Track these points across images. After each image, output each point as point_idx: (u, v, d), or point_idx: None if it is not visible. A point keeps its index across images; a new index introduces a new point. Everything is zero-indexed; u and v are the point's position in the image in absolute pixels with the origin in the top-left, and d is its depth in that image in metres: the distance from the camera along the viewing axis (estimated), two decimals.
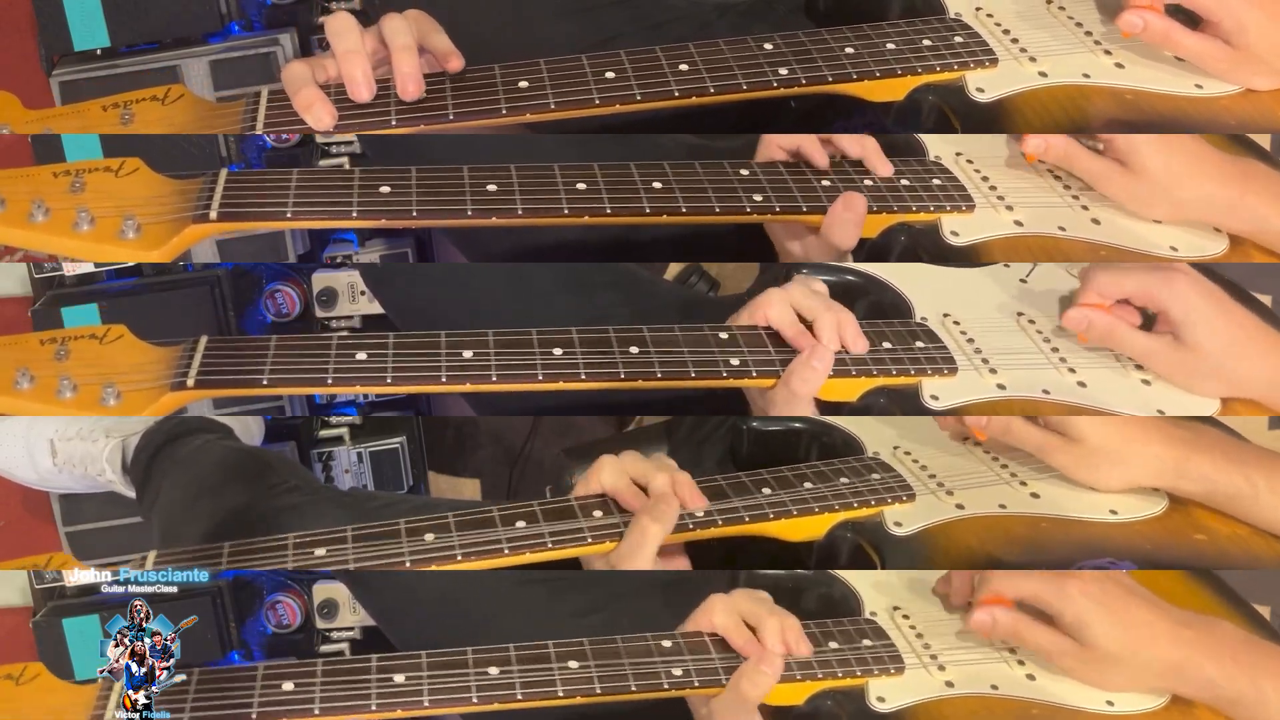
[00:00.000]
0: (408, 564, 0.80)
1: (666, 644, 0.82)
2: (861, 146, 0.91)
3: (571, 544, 0.82)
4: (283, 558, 0.80)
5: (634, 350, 0.85)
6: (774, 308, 0.87)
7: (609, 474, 0.85)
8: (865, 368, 0.86)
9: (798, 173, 0.90)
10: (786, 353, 0.86)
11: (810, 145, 0.90)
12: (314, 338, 0.83)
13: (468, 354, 0.82)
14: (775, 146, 0.91)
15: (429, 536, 0.81)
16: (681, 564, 0.88)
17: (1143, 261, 0.89)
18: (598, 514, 0.84)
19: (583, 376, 0.83)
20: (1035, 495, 0.90)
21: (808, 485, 0.89)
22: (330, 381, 0.80)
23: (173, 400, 0.78)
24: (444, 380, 0.81)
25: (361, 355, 0.81)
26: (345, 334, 0.84)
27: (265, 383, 0.79)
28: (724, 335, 0.87)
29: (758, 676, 0.80)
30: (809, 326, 0.86)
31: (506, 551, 0.81)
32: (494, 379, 0.82)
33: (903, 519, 0.88)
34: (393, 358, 0.81)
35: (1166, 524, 0.89)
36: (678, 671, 0.81)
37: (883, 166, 0.91)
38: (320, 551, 0.80)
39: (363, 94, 0.82)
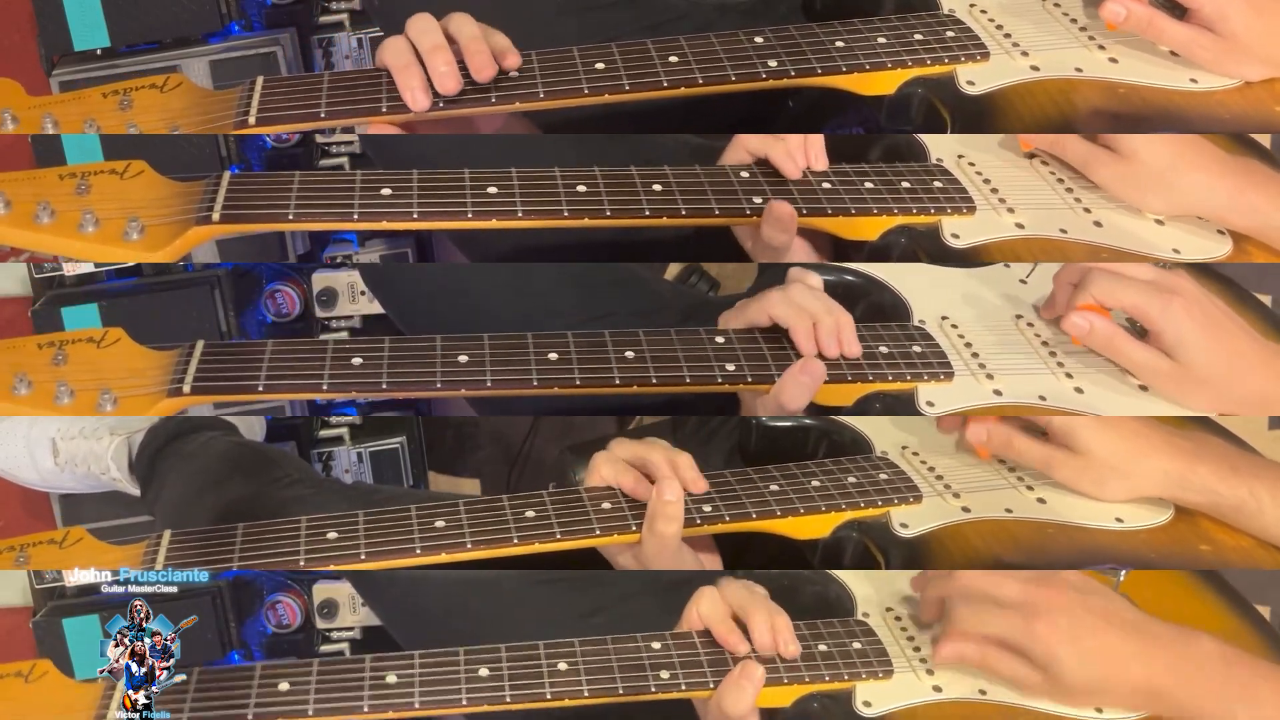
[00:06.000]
0: (418, 551, 0.80)
1: (656, 645, 0.82)
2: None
3: (580, 535, 0.82)
4: (295, 539, 0.81)
5: (629, 355, 0.85)
6: (776, 308, 0.87)
7: (606, 469, 0.85)
8: (861, 373, 0.86)
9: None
10: (782, 359, 0.86)
11: (779, 154, 0.89)
12: (310, 343, 0.83)
13: (463, 358, 0.83)
14: (743, 150, 0.91)
15: (439, 523, 0.82)
16: (712, 560, 0.88)
17: (1143, 263, 0.89)
18: (606, 505, 0.84)
19: (578, 382, 0.83)
20: (1041, 500, 0.89)
21: (815, 483, 0.88)
22: (326, 388, 0.81)
23: (169, 406, 0.79)
24: (439, 386, 0.82)
25: (357, 360, 0.81)
26: (341, 339, 0.84)
27: (261, 389, 0.80)
28: (720, 340, 0.87)
29: (739, 692, 0.80)
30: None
31: (516, 541, 0.81)
32: (489, 384, 0.82)
33: (909, 520, 0.87)
34: (388, 363, 0.82)
35: (1171, 533, 0.88)
36: (665, 675, 0.81)
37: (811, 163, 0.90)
38: (332, 534, 0.81)
39: (450, 86, 0.83)
